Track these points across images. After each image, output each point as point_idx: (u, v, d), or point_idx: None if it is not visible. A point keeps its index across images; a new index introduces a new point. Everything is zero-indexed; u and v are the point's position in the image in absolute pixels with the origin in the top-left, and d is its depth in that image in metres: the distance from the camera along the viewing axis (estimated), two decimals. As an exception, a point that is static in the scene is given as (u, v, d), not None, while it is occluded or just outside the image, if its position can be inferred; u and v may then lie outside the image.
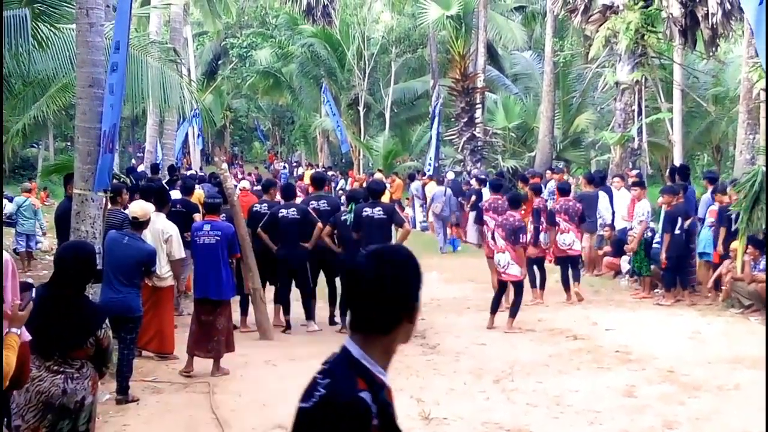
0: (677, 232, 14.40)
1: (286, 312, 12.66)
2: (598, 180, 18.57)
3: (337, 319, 12.91)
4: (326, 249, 12.74)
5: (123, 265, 8.74)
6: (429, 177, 27.54)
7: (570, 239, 14.85)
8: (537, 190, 16.11)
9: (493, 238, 13.15)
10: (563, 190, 15.73)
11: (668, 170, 18.46)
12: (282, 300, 12.79)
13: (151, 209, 9.76)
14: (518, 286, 12.76)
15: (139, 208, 9.47)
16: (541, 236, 14.98)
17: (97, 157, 9.75)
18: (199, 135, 34.07)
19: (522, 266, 12.79)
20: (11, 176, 44.87)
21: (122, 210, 11.30)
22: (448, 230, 23.10)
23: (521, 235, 12.75)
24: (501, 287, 12.95)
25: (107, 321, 5.42)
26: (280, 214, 12.58)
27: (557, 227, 14.83)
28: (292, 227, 12.50)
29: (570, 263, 15.04)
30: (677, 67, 22.62)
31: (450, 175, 27.06)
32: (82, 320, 5.29)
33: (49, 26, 14.67)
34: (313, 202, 13.15)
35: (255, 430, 8.05)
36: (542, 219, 15.01)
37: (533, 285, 14.82)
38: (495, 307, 12.86)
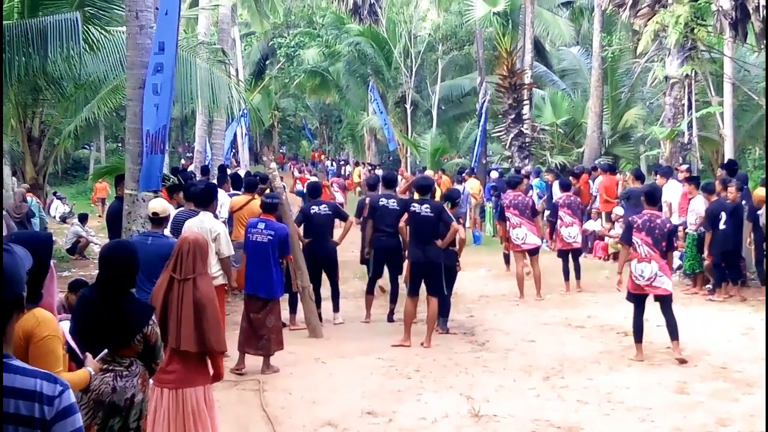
0: (722, 227, 14.27)
1: (318, 305, 12.68)
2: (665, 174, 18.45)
3: (395, 316, 12.96)
4: (392, 248, 12.86)
5: (153, 264, 8.73)
6: (470, 173, 27.52)
7: (522, 233, 14.86)
8: (566, 186, 16.67)
9: (628, 241, 10.65)
10: (513, 183, 15.88)
11: (720, 166, 18.26)
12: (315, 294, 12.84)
13: (170, 207, 9.81)
14: (668, 301, 10.63)
15: (158, 204, 9.53)
16: (568, 230, 15.71)
17: (144, 157, 9.88)
18: (246, 134, 34.20)
19: (671, 276, 10.76)
20: (64, 177, 45.64)
21: (188, 210, 11.44)
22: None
23: (674, 240, 11.01)
24: (640, 304, 10.71)
25: (154, 317, 5.48)
26: (312, 211, 12.75)
27: (509, 222, 14.97)
28: (324, 223, 12.74)
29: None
30: (728, 60, 22.28)
31: (494, 174, 27.03)
32: (129, 318, 5.34)
33: (99, 29, 14.91)
34: (382, 200, 13.09)
35: (305, 428, 8.09)
36: (561, 213, 15.79)
37: (566, 278, 15.62)
38: (640, 332, 10.70)
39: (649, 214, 10.65)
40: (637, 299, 10.67)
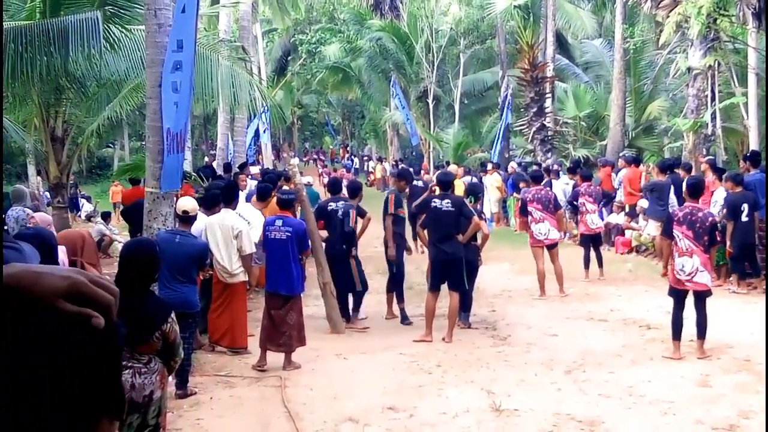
0: (744, 219, 14.15)
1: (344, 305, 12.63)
2: (668, 168, 18.35)
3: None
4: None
5: (178, 263, 8.84)
6: (493, 167, 27.52)
7: (545, 228, 14.77)
8: (587, 177, 17.37)
9: (669, 235, 10.39)
10: (536, 178, 15.94)
11: (743, 157, 18.10)
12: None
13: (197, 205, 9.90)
14: (704, 296, 10.25)
15: (189, 202, 9.60)
16: (590, 217, 16.36)
17: (164, 156, 9.90)
18: (265, 130, 34.12)
19: (712, 272, 10.45)
20: (88, 176, 45.95)
21: None
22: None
23: (716, 233, 10.48)
24: (680, 300, 10.32)
25: (173, 315, 5.50)
26: (329, 207, 12.76)
27: (531, 217, 14.88)
28: (342, 221, 12.56)
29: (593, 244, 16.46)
30: (752, 50, 22.11)
31: (513, 166, 27.14)
32: (148, 315, 5.38)
33: (120, 28, 14.97)
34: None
35: (326, 423, 8.09)
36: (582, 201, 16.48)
37: (587, 266, 16.04)
38: (679, 329, 10.27)
39: (690, 207, 10.31)
40: (678, 295, 10.30)
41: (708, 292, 10.26)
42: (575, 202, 16.54)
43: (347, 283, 12.63)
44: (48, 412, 1.17)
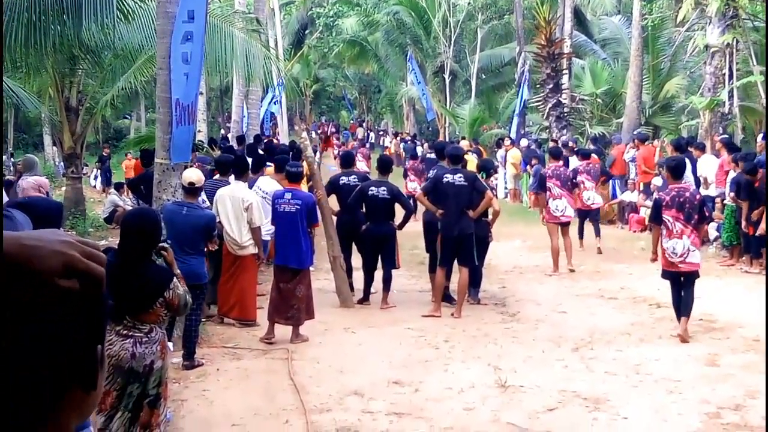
0: None
1: (349, 275, 12.46)
2: (683, 147, 18.23)
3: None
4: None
5: (186, 234, 8.86)
6: (512, 143, 27.48)
7: (563, 205, 14.87)
8: (586, 155, 17.59)
9: (657, 221, 10.19)
10: (554, 154, 16.25)
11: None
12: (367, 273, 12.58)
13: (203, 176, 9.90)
14: (694, 277, 10.21)
15: (194, 174, 9.60)
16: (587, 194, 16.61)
17: (173, 128, 9.87)
18: (277, 101, 33.86)
19: (699, 247, 10.35)
20: (105, 147, 46.03)
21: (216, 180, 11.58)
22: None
23: (705, 211, 10.47)
24: (677, 282, 10.22)
25: (175, 281, 5.51)
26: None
27: (549, 193, 14.99)
28: (380, 204, 12.12)
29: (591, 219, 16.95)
30: (771, 29, 21.91)
31: (523, 142, 27.00)
32: (149, 283, 5.40)
33: (133, -1, 14.95)
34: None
35: (331, 397, 8.10)
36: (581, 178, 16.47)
37: (581, 236, 16.56)
38: (680, 309, 10.15)
39: (676, 189, 10.16)
40: (673, 277, 10.20)
41: (698, 273, 10.22)
42: (575, 180, 16.47)
43: (390, 262, 12.35)
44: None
